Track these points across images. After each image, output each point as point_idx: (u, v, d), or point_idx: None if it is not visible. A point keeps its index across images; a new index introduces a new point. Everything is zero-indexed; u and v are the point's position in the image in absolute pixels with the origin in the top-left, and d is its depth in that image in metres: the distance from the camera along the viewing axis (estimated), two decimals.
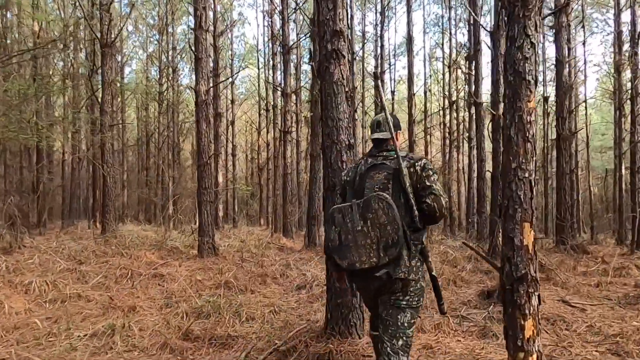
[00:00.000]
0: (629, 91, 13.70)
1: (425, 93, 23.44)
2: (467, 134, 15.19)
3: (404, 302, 2.08)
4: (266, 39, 19.56)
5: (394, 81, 25.17)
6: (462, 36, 27.10)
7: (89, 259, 6.18)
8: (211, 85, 7.89)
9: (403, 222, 2.00)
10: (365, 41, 20.29)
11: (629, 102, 13.54)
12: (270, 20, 15.80)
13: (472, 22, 11.37)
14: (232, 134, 20.84)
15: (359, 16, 20.63)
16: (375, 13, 18.42)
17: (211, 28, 14.10)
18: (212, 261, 6.33)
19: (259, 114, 21.32)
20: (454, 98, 17.41)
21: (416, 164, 2.14)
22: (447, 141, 18.28)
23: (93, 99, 11.63)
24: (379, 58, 17.96)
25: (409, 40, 13.58)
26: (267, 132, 19.51)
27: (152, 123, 22.57)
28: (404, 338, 2.08)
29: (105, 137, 8.67)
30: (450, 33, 18.06)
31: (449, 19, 18.39)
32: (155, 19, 21.09)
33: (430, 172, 2.14)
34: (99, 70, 9.49)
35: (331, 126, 3.05)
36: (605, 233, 15.50)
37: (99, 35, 8.85)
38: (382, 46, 17.07)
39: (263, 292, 4.84)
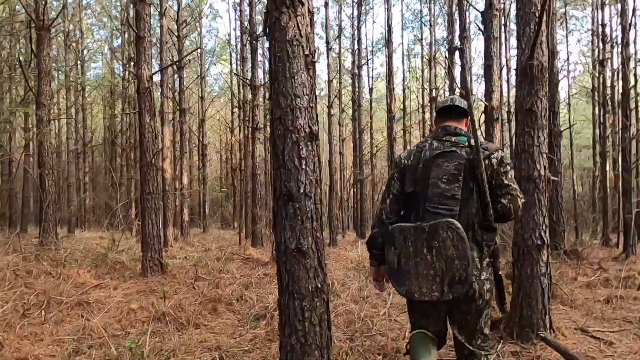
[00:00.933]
0: (615, 87, 13.28)
1: (404, 90, 22.83)
2: None
3: (482, 303, 1.90)
4: (238, 34, 18.48)
5: (372, 78, 24.41)
6: (442, 32, 26.52)
7: (2, 282, 5.02)
8: (156, 69, 6.80)
9: (472, 220, 1.87)
10: (342, 36, 19.40)
11: (610, 99, 13.11)
12: (240, 10, 14.74)
13: (454, 11, 10.60)
14: (202, 132, 19.61)
15: (336, 9, 19.76)
16: (352, 6, 17.53)
17: (174, 15, 12.93)
18: (157, 281, 5.27)
19: (232, 112, 20.20)
20: (434, 94, 16.66)
21: (492, 155, 1.92)
22: None
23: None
24: (357, 53, 17.11)
25: (388, 30, 12.72)
26: (240, 130, 18.39)
27: (119, 122, 21.24)
28: (482, 337, 1.95)
29: (43, 132, 7.46)
30: (431, 27, 17.34)
31: (429, 13, 17.69)
32: (119, 8, 19.71)
33: (509, 168, 1.93)
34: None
35: (283, 106, 2.07)
36: (586, 233, 15.06)
37: (33, 16, 7.65)
38: (359, 39, 16.22)
39: (211, 325, 3.82)
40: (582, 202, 15.78)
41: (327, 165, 12.16)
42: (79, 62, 19.36)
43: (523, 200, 1.94)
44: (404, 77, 23.50)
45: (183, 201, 12.85)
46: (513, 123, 17.94)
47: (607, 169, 14.61)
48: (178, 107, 13.01)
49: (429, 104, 17.89)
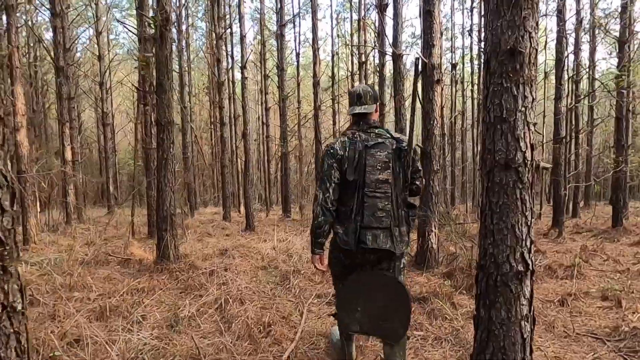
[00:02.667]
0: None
1: (332, 57, 21.48)
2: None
3: (401, 265, 2.31)
4: None
5: (299, 43, 22.76)
6: None
7: None
8: None
9: (401, 201, 2.22)
10: None
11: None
12: None
13: None
14: (102, 98, 16.79)
15: None
16: None
17: None
18: None
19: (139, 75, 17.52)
20: (363, 59, 15.47)
21: (405, 144, 2.26)
22: None
23: None
24: (281, 12, 15.27)
25: None
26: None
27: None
28: None
29: None
30: None
31: None
32: None
33: (418, 156, 2.35)
34: None
35: None
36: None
37: None
38: None
39: None
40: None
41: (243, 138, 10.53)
42: None
43: (423, 181, 2.65)
44: (332, 43, 22.14)
45: (68, 181, 10.58)
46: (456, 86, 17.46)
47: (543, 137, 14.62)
48: (54, 65, 10.51)
49: (358, 72, 16.72)
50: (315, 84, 10.90)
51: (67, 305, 3.68)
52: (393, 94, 7.08)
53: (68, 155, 10.63)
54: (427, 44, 4.55)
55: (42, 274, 4.73)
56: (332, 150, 2.24)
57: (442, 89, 4.77)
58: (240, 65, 9.06)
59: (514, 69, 1.89)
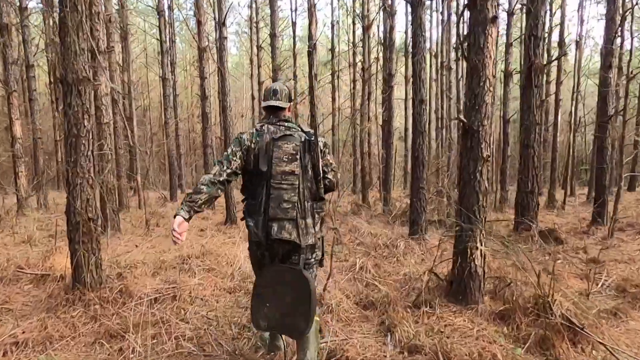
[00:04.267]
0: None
1: (332, 27, 19.59)
2: (385, 73, 11.57)
3: (312, 260, 2.29)
4: None
5: (295, 10, 20.61)
6: None
7: None
8: None
9: (308, 193, 2.20)
10: None
11: None
12: None
13: None
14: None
15: None
16: None
17: None
18: None
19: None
20: (367, 22, 13.61)
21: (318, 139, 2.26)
22: (361, 85, 14.56)
23: None
24: None
25: None
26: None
27: None
28: None
29: None
30: None
31: None
32: None
33: (328, 149, 2.35)
34: None
35: None
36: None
37: None
38: None
39: None
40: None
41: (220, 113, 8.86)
42: None
43: (339, 174, 2.53)
44: (332, 12, 20.16)
45: (18, 162, 8.96)
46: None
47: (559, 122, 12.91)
48: None
49: (362, 41, 14.85)
50: (311, 49, 9.10)
51: None
52: (411, 53, 5.38)
53: (17, 131, 8.95)
54: None
55: None
56: (240, 139, 2.27)
57: (498, 33, 3.13)
58: (220, 22, 7.33)
59: None
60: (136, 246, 6.03)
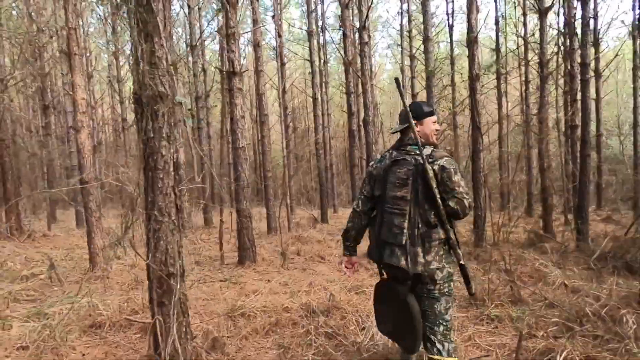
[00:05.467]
0: None
1: (496, 23, 16.99)
2: (568, 67, 9.00)
3: (437, 292, 2.15)
4: None
5: (451, 15, 18.52)
6: None
7: None
8: None
9: (420, 220, 2.11)
10: None
11: None
12: None
13: None
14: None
15: None
16: None
17: None
18: None
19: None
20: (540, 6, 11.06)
21: (435, 162, 2.13)
22: (538, 84, 11.89)
23: None
24: None
25: None
26: None
27: None
28: (444, 324, 2.15)
29: None
30: None
31: None
32: None
33: (452, 172, 2.12)
34: None
35: None
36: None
37: None
38: None
39: None
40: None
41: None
42: None
43: (470, 200, 2.12)
44: (496, 7, 17.57)
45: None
46: None
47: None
48: None
49: (534, 35, 12.21)
50: (472, 41, 7.26)
51: None
52: None
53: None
54: None
55: None
56: (369, 169, 2.42)
57: None
58: (360, 27, 6.37)
59: None
60: (268, 281, 5.41)
